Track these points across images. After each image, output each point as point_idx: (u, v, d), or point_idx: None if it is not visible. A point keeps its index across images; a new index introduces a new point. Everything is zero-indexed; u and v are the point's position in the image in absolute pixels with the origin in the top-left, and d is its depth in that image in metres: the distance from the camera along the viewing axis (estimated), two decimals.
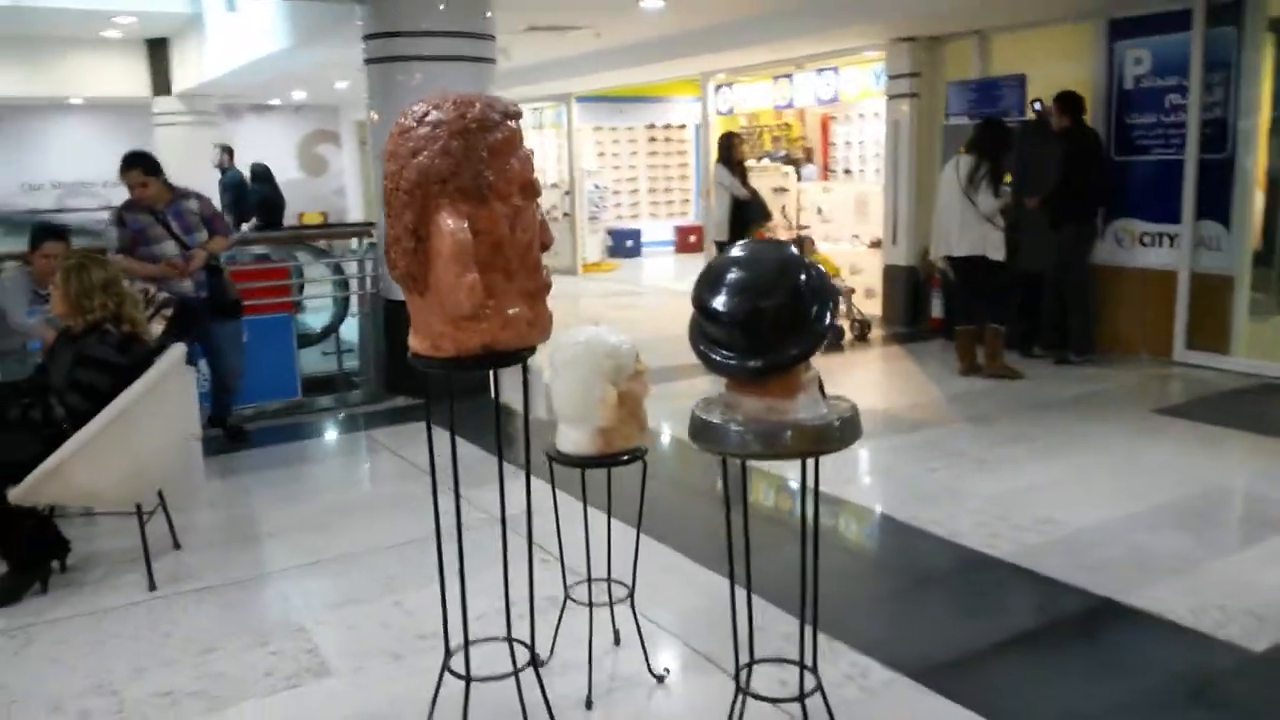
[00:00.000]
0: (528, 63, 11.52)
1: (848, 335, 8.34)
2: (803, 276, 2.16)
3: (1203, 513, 4.27)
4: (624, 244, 15.82)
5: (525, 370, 2.41)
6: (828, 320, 2.19)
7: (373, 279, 6.94)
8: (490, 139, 2.14)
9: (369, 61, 6.39)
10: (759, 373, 2.15)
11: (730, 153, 8.96)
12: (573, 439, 2.81)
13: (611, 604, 3.09)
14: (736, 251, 2.25)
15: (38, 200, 15.86)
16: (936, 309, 8.53)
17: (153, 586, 3.72)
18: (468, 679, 2.50)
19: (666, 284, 12.89)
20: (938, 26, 8.45)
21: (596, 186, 14.69)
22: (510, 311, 2.24)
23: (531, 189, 2.23)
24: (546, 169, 15.62)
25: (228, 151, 12.79)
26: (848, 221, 10.52)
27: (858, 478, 5.00)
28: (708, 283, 2.18)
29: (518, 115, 2.23)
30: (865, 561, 4.11)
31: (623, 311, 11.32)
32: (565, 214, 14.30)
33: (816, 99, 11.38)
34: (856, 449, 5.33)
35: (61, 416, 3.58)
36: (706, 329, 2.21)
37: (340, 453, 5.97)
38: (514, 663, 2.58)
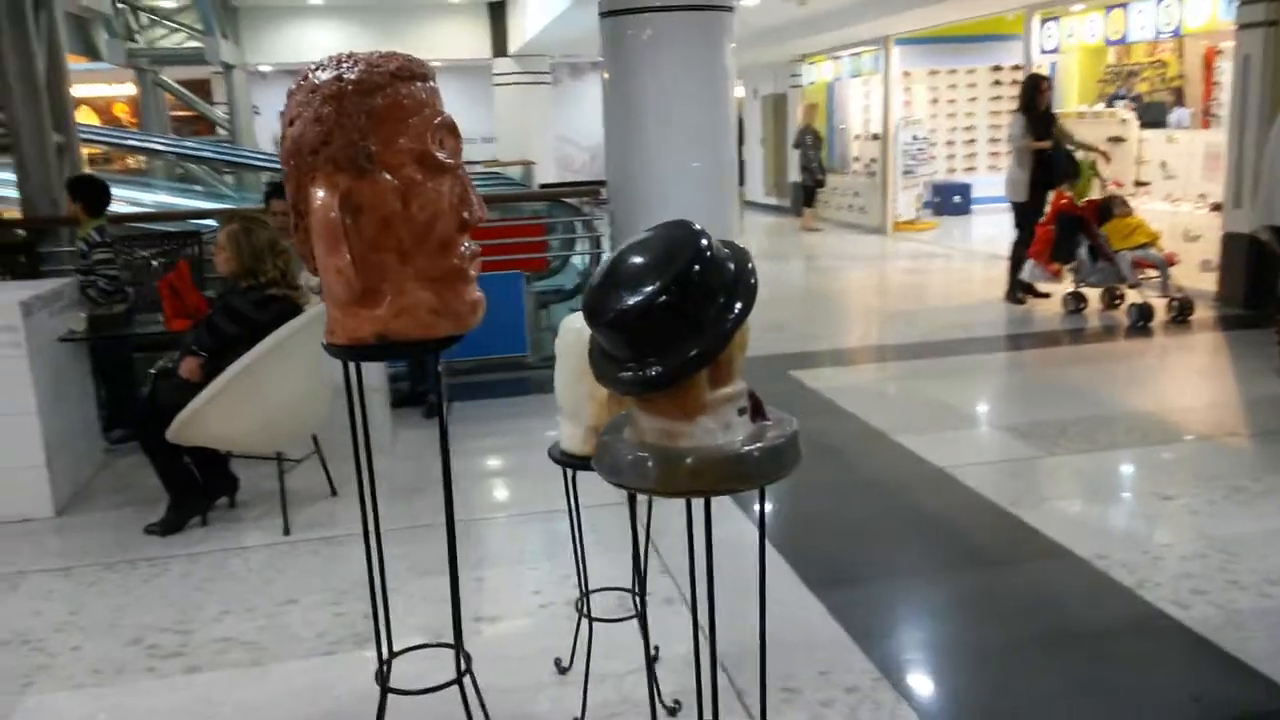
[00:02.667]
0: (830, 6, 10.85)
1: (1159, 314, 7.02)
2: (695, 264, 1.70)
3: None
4: (950, 200, 14.59)
5: (435, 364, 2.15)
6: (736, 313, 1.71)
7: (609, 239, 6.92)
8: (371, 103, 1.90)
9: (603, 15, 6.27)
10: (644, 384, 1.73)
11: (1034, 98, 7.85)
12: (566, 435, 2.53)
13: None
14: (636, 238, 1.84)
15: None
16: None
17: (286, 531, 3.95)
18: (384, 689, 2.32)
19: (984, 246, 11.66)
20: None
21: (916, 138, 13.62)
22: (404, 299, 2.00)
23: (428, 160, 1.95)
24: (858, 120, 14.78)
25: None
26: (1194, 179, 8.84)
27: (1057, 498, 4.15)
28: (595, 280, 1.80)
29: (417, 76, 1.96)
30: (1000, 607, 3.26)
31: (909, 277, 10.46)
32: (869, 170, 13.44)
33: (1155, 31, 9.61)
34: (1074, 459, 4.55)
35: (189, 347, 3.87)
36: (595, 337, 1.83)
37: (543, 412, 6.02)
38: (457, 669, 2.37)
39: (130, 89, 15.40)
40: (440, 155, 1.96)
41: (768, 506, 2.17)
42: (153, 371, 4.14)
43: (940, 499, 4.09)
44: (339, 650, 3.07)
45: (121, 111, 19.05)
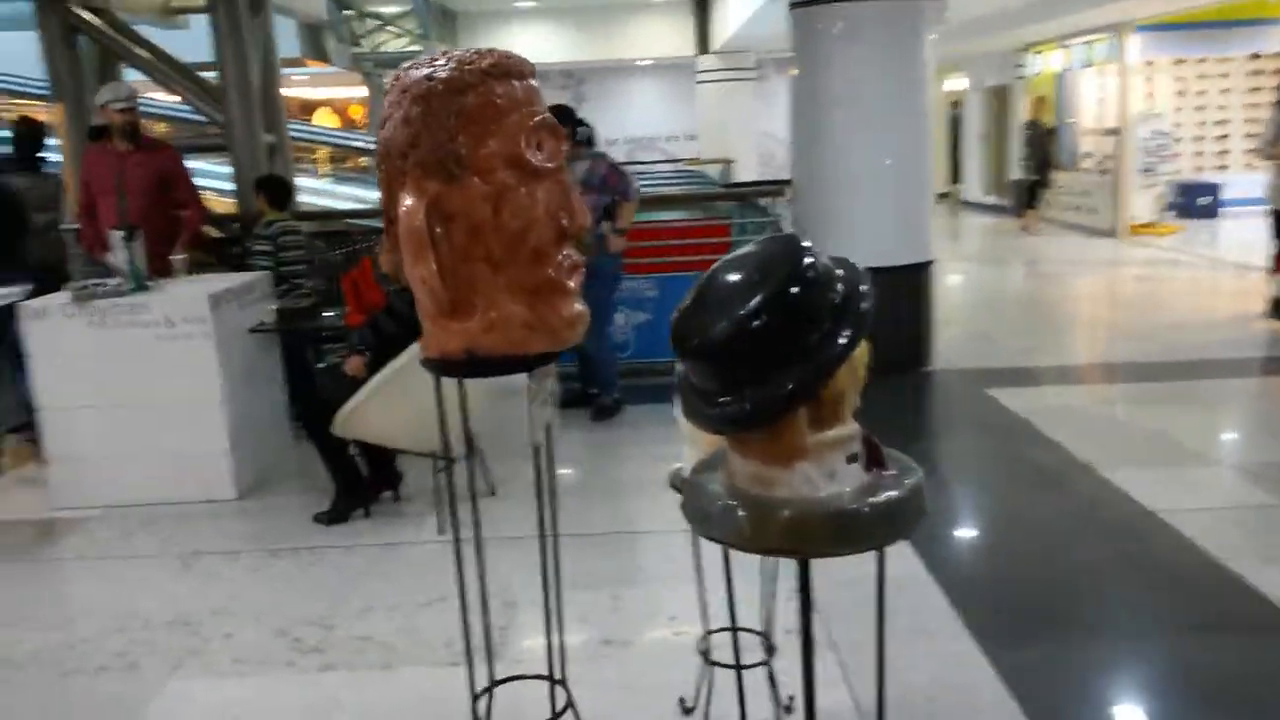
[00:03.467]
0: None
1: None
2: (793, 284, 1.46)
3: None
4: (1194, 201, 13.17)
5: (531, 384, 1.99)
6: (843, 343, 1.46)
7: None
8: (461, 103, 1.76)
9: (793, 6, 6.00)
10: (732, 421, 1.51)
11: None
12: (687, 459, 2.32)
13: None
14: (735, 253, 1.61)
15: (614, 154, 17.99)
16: None
17: (441, 530, 3.96)
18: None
19: (1235, 254, 10.24)
20: None
21: (1157, 133, 12.36)
22: (494, 312, 1.85)
23: (521, 164, 1.80)
24: (1089, 113, 13.58)
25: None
26: None
27: None
28: (685, 302, 1.60)
29: (512, 74, 1.81)
30: (1210, 687, 2.78)
31: (1141, 286, 9.48)
32: (1101, 168, 12.30)
33: None
34: None
35: (354, 345, 3.95)
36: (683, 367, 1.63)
37: None
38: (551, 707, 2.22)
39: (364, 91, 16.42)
40: (534, 158, 1.80)
41: (930, 536, 1.89)
42: (320, 365, 4.27)
43: (1149, 549, 3.58)
44: (463, 662, 3.00)
45: (357, 113, 20.40)
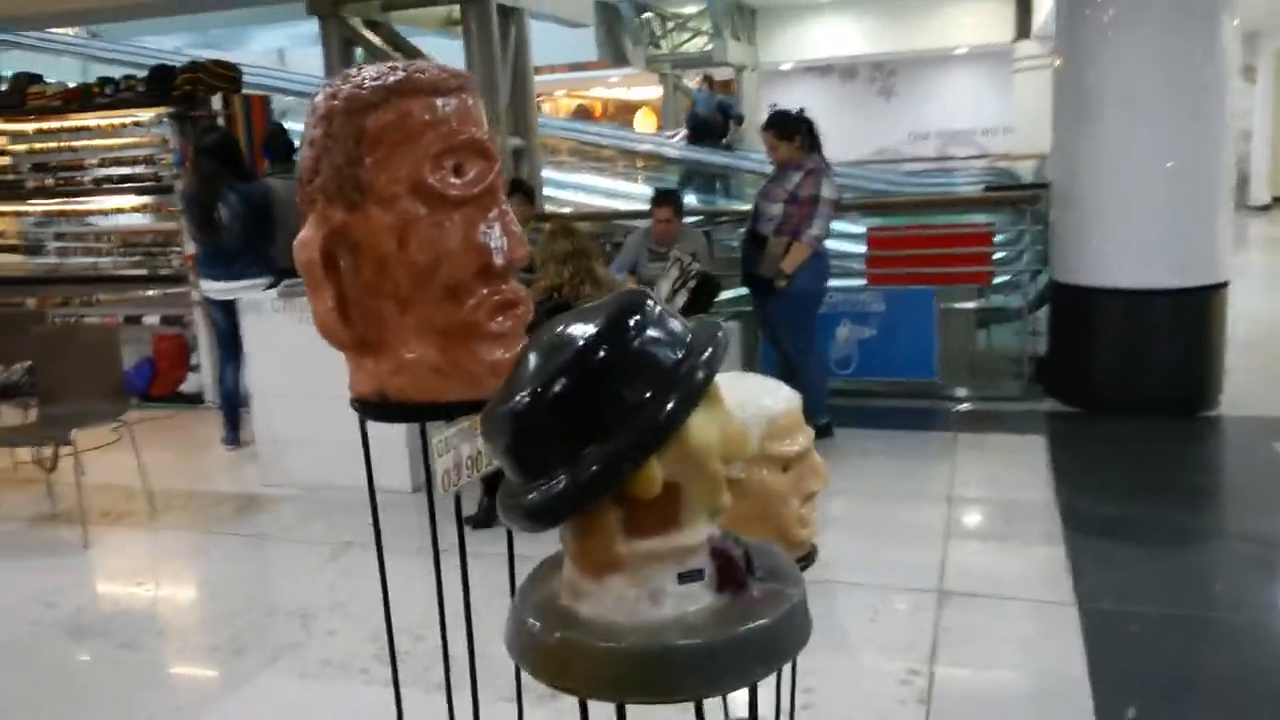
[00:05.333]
0: None
1: None
2: (604, 345, 1.15)
3: None
4: None
5: (423, 436, 1.77)
6: (659, 419, 1.13)
7: (1038, 254, 5.81)
8: (361, 124, 1.60)
9: None
10: (524, 515, 1.22)
11: None
12: None
13: None
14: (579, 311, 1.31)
15: (921, 149, 17.02)
16: None
17: None
18: None
19: None
20: None
21: None
22: (404, 354, 1.68)
23: (425, 190, 1.60)
24: None
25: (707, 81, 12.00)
26: None
27: None
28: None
29: (427, 90, 1.61)
30: None
31: None
32: None
33: None
34: None
35: None
36: None
37: (941, 453, 5.23)
38: None
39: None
40: (438, 183, 1.60)
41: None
42: None
43: None
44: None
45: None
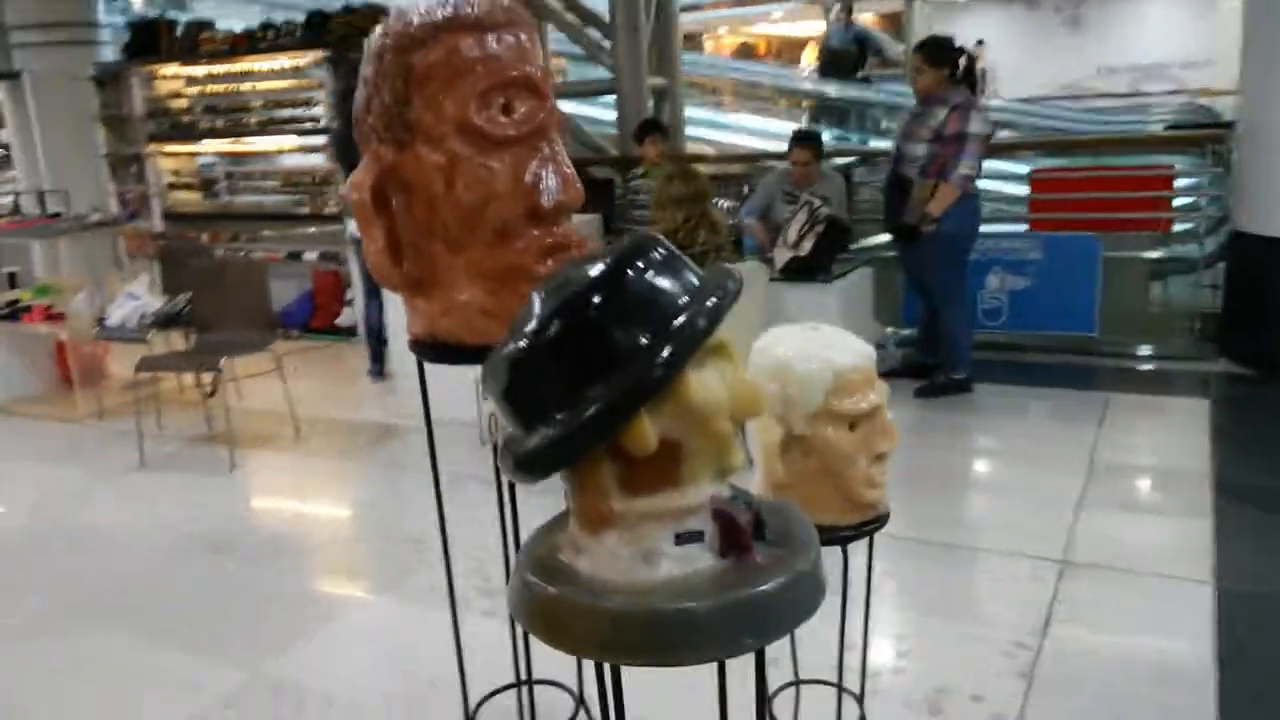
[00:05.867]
0: None
1: None
2: (600, 290, 1.10)
3: None
4: None
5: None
6: (660, 359, 1.07)
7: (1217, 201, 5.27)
8: (408, 62, 1.58)
9: None
10: (517, 466, 1.18)
11: None
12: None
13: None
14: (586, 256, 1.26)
15: (1111, 84, 15.73)
16: None
17: None
18: None
19: None
20: None
21: None
22: (453, 295, 1.67)
23: (470, 130, 1.57)
24: None
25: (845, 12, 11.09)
26: None
27: None
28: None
29: (474, 27, 1.56)
30: None
31: None
32: None
33: None
34: None
35: None
36: None
37: (1097, 415, 4.87)
38: None
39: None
40: (484, 122, 1.56)
41: None
42: None
43: None
44: None
45: None
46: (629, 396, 1.08)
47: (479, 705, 2.14)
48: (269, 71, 6.54)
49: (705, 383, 1.15)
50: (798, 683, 2.16)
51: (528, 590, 1.19)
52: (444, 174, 1.60)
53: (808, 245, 4.31)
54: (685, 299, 1.14)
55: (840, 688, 2.13)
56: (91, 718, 2.71)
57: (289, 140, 6.67)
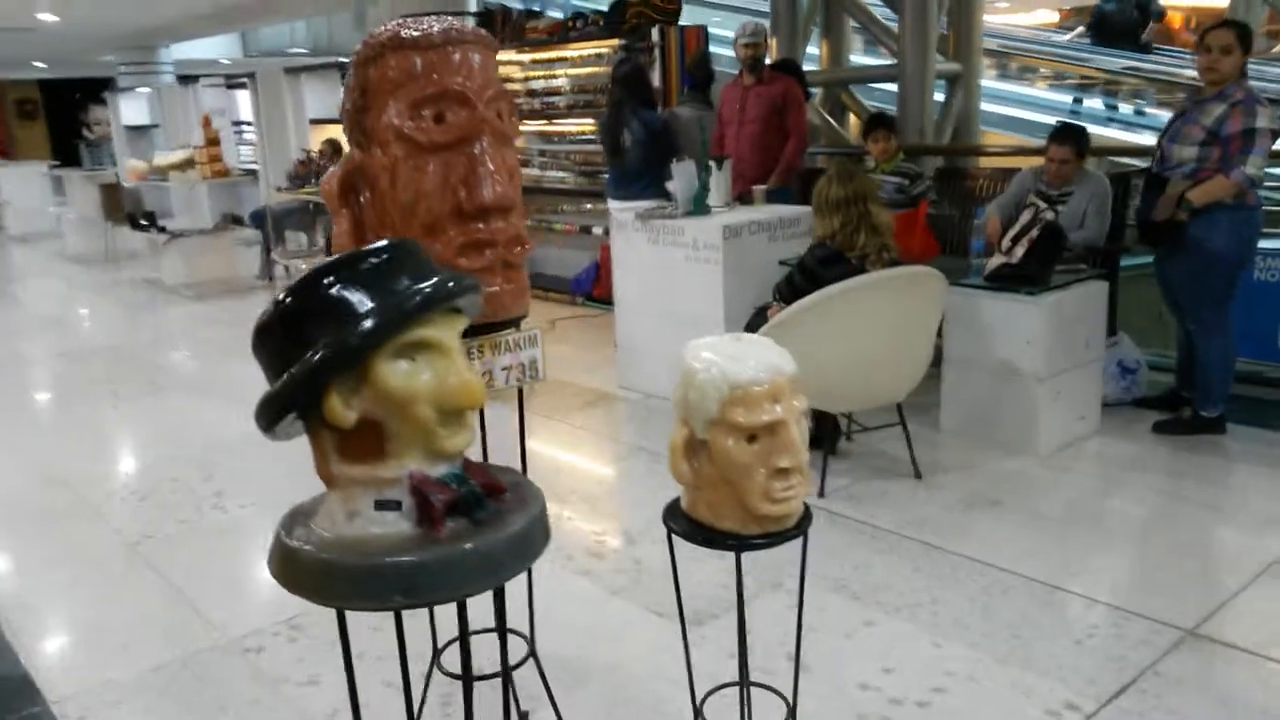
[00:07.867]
0: None
1: None
2: (326, 277, 1.33)
3: None
4: None
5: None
6: (363, 329, 1.26)
7: None
8: (368, 73, 1.85)
9: None
10: (255, 418, 1.40)
11: None
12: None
13: None
14: None
15: None
16: None
17: (821, 494, 3.78)
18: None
19: None
20: None
21: None
22: None
23: (402, 136, 1.80)
24: None
25: None
26: None
27: None
28: None
29: (410, 46, 1.79)
30: None
31: None
32: None
33: None
34: None
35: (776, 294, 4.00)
36: None
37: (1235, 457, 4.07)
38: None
39: None
40: (412, 130, 1.79)
41: None
42: (756, 308, 4.27)
43: None
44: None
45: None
46: (324, 364, 1.27)
47: (445, 646, 2.39)
48: (577, 59, 7.12)
49: (398, 371, 1.30)
50: (745, 684, 2.18)
51: (277, 542, 1.42)
52: (388, 174, 1.86)
53: (1019, 251, 3.97)
54: (399, 292, 1.30)
55: (775, 691, 2.14)
56: None
57: (587, 123, 7.24)
